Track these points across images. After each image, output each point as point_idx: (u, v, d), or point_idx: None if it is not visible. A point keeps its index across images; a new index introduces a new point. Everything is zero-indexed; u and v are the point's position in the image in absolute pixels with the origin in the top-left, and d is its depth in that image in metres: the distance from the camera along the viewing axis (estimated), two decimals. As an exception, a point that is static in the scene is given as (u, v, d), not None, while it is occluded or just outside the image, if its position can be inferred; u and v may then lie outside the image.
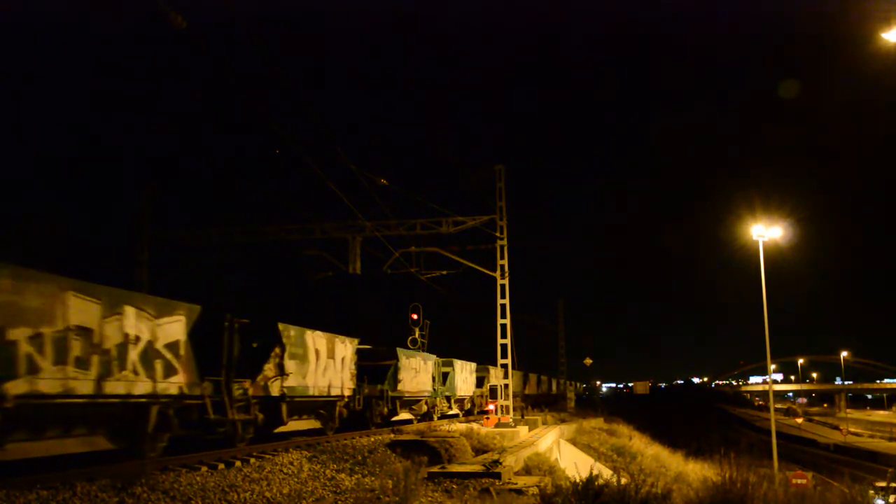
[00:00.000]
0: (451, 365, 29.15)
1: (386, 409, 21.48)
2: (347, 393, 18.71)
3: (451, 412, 29.53)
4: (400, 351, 22.81)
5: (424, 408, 25.47)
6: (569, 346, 70.55)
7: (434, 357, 26.81)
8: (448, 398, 28.87)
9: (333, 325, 19.36)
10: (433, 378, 26.15)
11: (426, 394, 25.30)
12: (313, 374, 16.74)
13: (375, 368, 21.39)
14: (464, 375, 31.73)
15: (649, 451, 33.94)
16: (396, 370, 22.20)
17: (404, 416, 24.00)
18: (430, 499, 11.16)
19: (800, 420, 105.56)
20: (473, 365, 33.69)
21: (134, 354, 10.77)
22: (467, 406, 33.10)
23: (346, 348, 18.92)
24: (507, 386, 26.30)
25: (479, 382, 35.15)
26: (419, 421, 24.56)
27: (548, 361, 69.45)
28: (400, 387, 22.43)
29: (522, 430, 24.03)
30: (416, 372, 24.10)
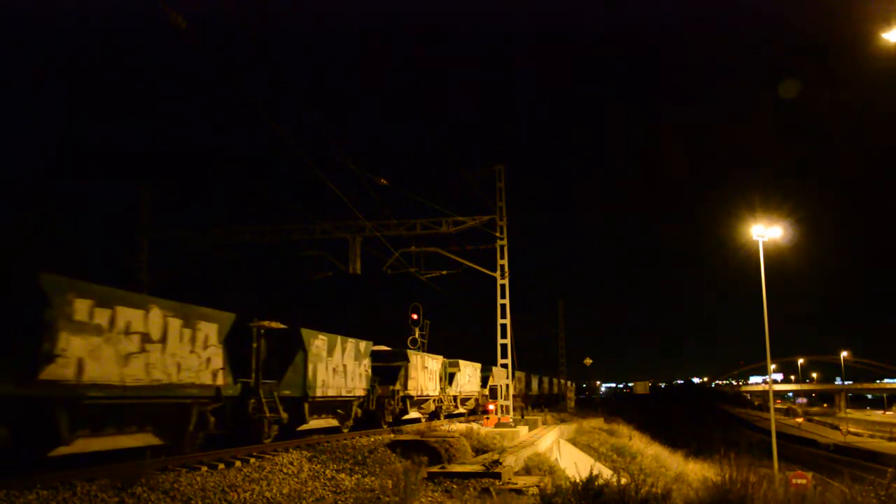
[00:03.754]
0: (299, 344, 16.78)
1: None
2: None
3: (310, 426, 17.47)
4: (61, 281, 10.13)
5: (193, 419, 12.78)
6: (569, 345, 70.65)
7: (225, 316, 13.81)
8: (298, 401, 16.65)
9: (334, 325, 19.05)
10: (226, 360, 13.70)
11: (196, 391, 12.83)
12: None
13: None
14: (339, 360, 18.90)
15: (649, 451, 33.94)
16: (50, 325, 9.78)
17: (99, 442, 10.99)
18: (430, 499, 11.16)
19: (800, 420, 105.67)
20: (363, 344, 20.80)
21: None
22: (354, 413, 20.09)
23: None
24: (507, 385, 26.32)
25: (390, 376, 22.91)
26: (178, 448, 12.35)
27: (548, 361, 69.49)
28: (93, 374, 10.33)
29: (522, 430, 24.04)
30: (158, 345, 11.79)
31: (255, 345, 15.02)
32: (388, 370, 23.31)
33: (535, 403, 47.12)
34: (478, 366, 35.70)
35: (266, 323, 15.26)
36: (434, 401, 27.77)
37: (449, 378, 30.29)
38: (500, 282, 25.91)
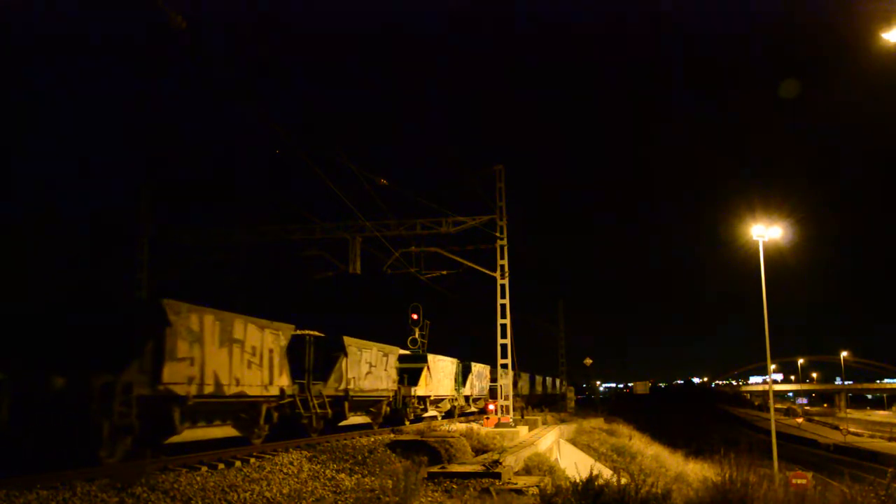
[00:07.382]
0: None
1: None
2: None
3: None
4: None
5: None
6: (569, 346, 70.58)
7: None
8: None
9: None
10: None
11: None
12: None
13: None
14: None
15: (649, 451, 33.93)
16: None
17: None
18: (430, 499, 11.16)
19: (800, 420, 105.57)
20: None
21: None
22: None
23: None
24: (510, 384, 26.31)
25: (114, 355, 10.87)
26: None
27: (548, 361, 69.43)
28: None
29: (522, 430, 24.03)
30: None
31: None
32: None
33: (535, 403, 47.09)
34: (394, 350, 22.91)
35: None
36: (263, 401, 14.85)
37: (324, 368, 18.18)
38: (500, 282, 25.90)
